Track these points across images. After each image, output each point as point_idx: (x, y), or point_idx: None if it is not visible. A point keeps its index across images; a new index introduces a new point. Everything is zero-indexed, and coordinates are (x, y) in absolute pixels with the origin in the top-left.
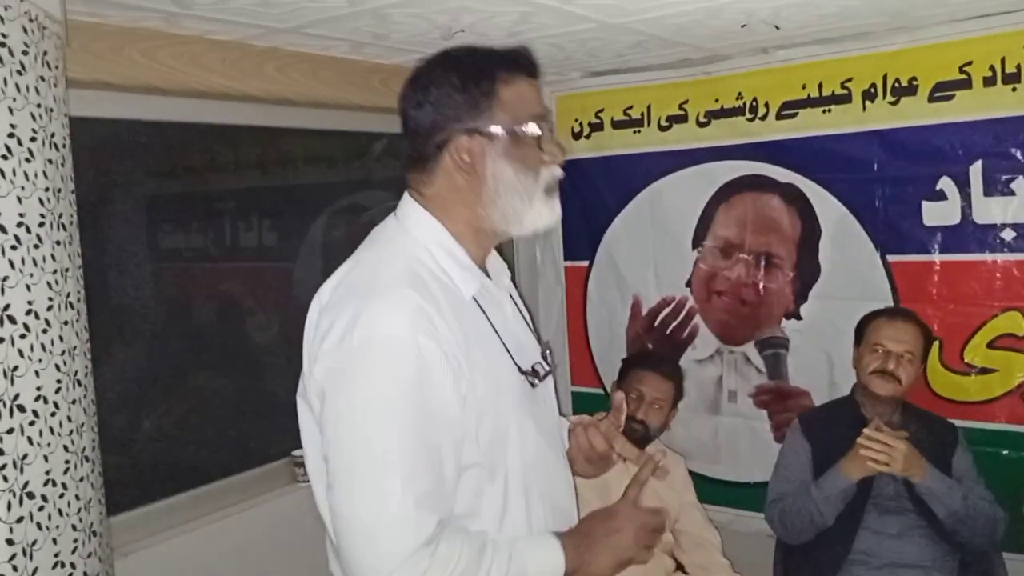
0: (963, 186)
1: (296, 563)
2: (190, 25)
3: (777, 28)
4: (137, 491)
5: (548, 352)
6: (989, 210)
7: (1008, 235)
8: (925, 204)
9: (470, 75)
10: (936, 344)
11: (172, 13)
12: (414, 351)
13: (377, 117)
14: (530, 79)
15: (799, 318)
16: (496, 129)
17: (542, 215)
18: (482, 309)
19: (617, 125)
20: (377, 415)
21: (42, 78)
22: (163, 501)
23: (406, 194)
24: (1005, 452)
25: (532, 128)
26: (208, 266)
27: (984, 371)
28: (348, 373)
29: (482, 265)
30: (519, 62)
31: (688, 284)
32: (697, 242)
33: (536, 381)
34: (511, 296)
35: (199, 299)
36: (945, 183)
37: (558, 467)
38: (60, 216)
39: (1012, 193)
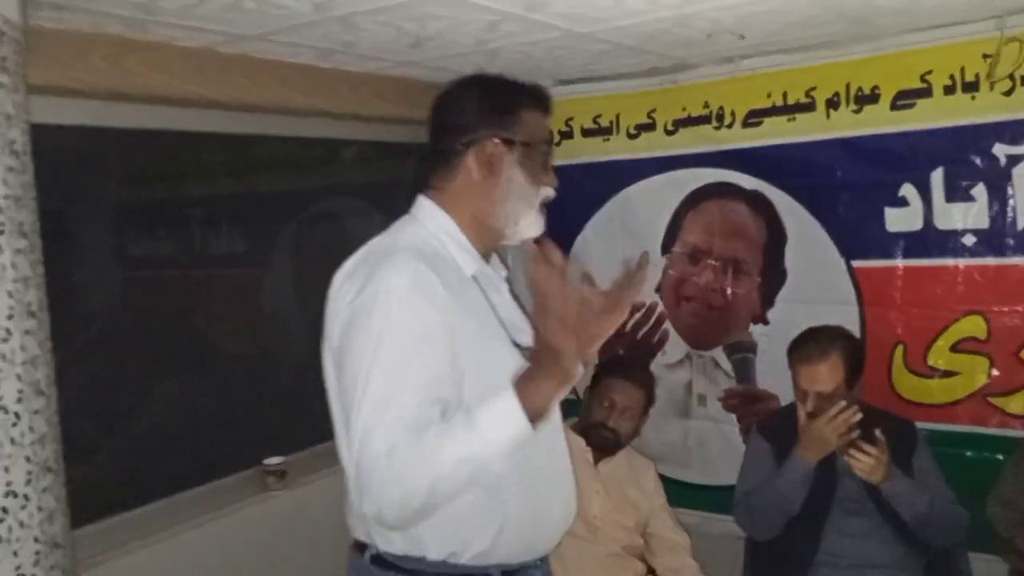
0: (925, 192)
1: (268, 572)
2: (156, 31)
3: (742, 37)
4: (104, 502)
5: None
6: (951, 216)
7: (969, 240)
8: (888, 210)
9: (501, 94)
10: (900, 347)
11: (137, 19)
12: (417, 302)
13: (346, 124)
14: (544, 112)
15: (766, 323)
16: (516, 140)
17: (533, 225)
18: (481, 288)
19: (586, 133)
20: (387, 345)
21: (2, 84)
22: (131, 512)
23: (419, 194)
24: (968, 453)
25: (544, 147)
26: (176, 273)
27: (947, 374)
28: (359, 319)
29: (485, 257)
30: (538, 96)
31: (658, 290)
32: (666, 248)
33: (527, 355)
34: (508, 288)
35: (167, 307)
36: (907, 190)
37: (554, 448)
38: (21, 224)
39: (972, 199)
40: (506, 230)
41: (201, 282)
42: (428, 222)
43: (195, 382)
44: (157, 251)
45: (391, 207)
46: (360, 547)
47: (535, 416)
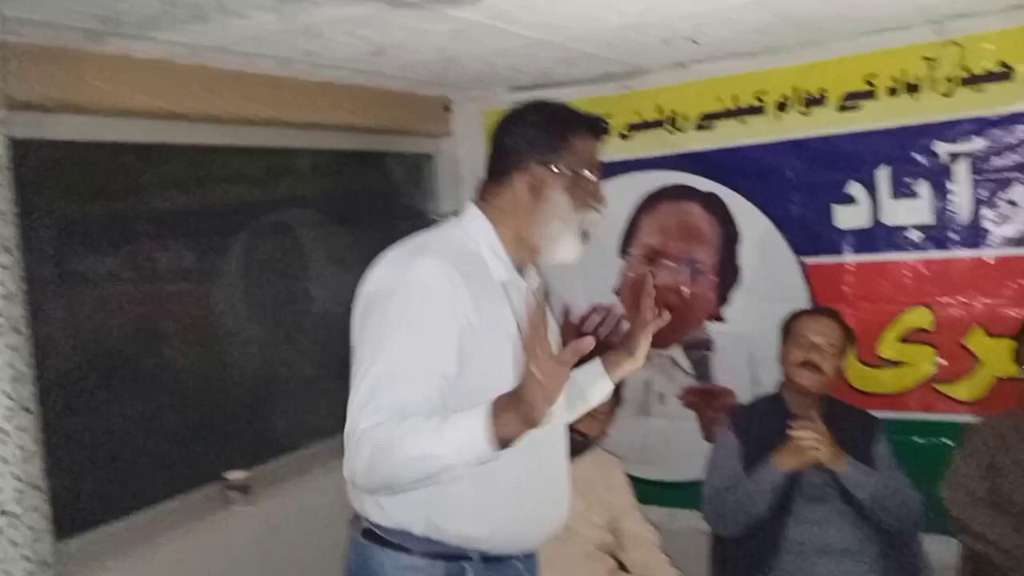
0: (872, 190)
1: None
2: (115, 43)
3: (696, 43)
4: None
5: None
6: (896, 212)
7: (915, 235)
8: (837, 208)
9: (554, 122)
10: None
11: (96, 32)
12: (437, 301)
13: (303, 134)
14: (596, 139)
15: (722, 320)
16: (563, 168)
17: (571, 248)
18: (508, 295)
19: None
20: (399, 333)
21: None
22: (91, 532)
23: (469, 202)
24: (918, 440)
25: (589, 175)
26: (129, 288)
27: (897, 364)
28: (381, 302)
29: (518, 269)
30: (592, 124)
31: (617, 292)
32: (623, 251)
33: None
34: None
35: (118, 323)
36: (855, 188)
37: (553, 451)
38: (5, 239)
39: (917, 196)
40: (544, 250)
41: (154, 296)
42: (471, 227)
43: (150, 399)
44: (109, 267)
45: (345, 218)
46: (356, 519)
47: (500, 441)
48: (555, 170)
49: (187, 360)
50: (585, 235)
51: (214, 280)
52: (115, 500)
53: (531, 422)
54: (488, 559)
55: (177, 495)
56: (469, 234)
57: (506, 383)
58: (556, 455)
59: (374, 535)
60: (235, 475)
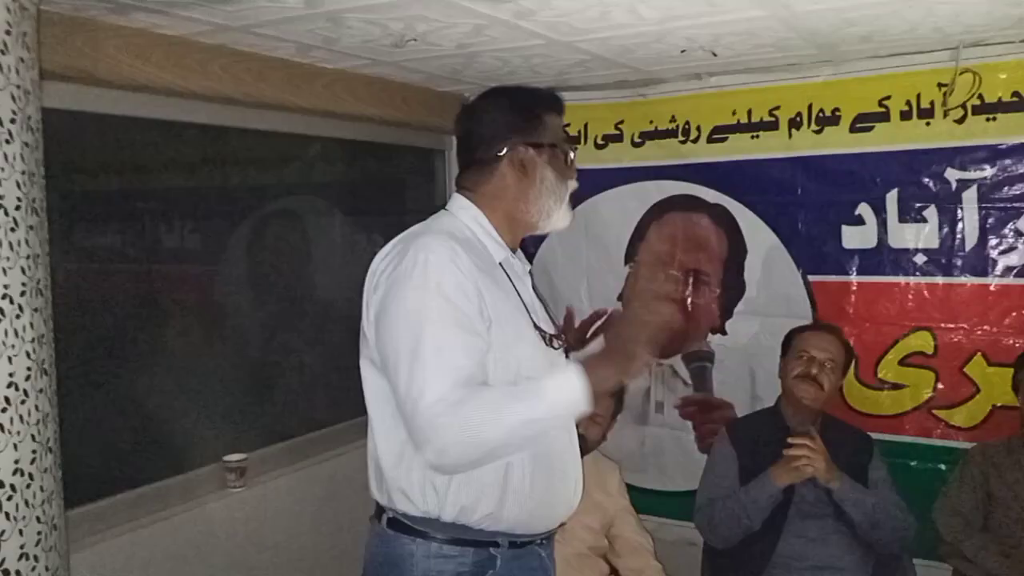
0: (880, 212)
1: (234, 566)
2: (138, 17)
3: (714, 55)
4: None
5: (562, 335)
6: (903, 235)
7: (920, 259)
8: (845, 228)
9: (524, 103)
10: (852, 360)
11: (120, 4)
12: (452, 271)
13: (320, 121)
14: (560, 115)
15: (724, 333)
16: (544, 143)
17: (564, 216)
18: (507, 274)
19: None
20: (422, 314)
21: (22, 59)
22: (87, 506)
23: (455, 192)
24: (913, 464)
25: (565, 146)
26: (135, 267)
27: (896, 387)
28: (399, 287)
29: (511, 250)
30: (555, 100)
31: (620, 298)
32: (629, 258)
33: (548, 339)
34: (531, 280)
35: (119, 301)
36: (863, 209)
37: (569, 433)
38: (34, 200)
39: (924, 220)
40: (540, 223)
41: (163, 275)
42: (461, 215)
43: (148, 378)
44: (117, 242)
45: (354, 208)
46: (379, 512)
47: (595, 397)
48: (537, 147)
49: (191, 342)
50: (568, 202)
51: (221, 262)
52: (113, 476)
53: (629, 374)
54: (514, 545)
55: (176, 474)
56: (463, 221)
57: (532, 353)
58: (571, 435)
59: (401, 524)
60: (233, 458)
